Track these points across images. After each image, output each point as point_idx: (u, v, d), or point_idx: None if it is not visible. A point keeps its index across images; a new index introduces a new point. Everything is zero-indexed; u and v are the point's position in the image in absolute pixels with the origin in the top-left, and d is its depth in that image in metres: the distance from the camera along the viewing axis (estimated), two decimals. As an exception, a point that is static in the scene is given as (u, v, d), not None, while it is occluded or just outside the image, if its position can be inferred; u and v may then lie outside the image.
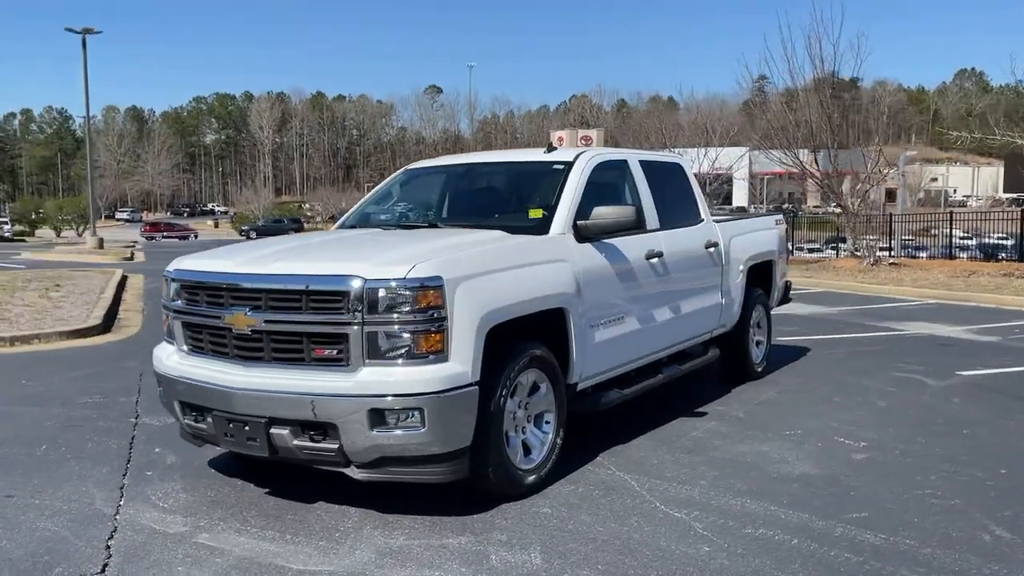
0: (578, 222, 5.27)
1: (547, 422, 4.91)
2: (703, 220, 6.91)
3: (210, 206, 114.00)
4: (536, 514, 4.40)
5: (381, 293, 4.06)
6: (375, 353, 4.09)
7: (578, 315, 5.04)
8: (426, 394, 4.05)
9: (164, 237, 64.01)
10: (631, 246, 5.69)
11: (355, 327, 4.08)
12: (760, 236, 7.90)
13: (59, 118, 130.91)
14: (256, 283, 4.36)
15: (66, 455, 5.52)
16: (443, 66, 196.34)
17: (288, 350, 4.28)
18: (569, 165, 5.64)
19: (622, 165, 6.15)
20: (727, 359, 7.65)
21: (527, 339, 4.73)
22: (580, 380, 5.23)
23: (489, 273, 4.43)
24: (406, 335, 4.08)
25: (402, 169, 6.73)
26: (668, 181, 6.79)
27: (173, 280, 4.80)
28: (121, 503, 4.63)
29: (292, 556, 3.89)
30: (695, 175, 7.82)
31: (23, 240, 63.21)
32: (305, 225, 67.76)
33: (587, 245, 5.29)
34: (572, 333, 5.00)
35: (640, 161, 6.31)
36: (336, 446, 4.16)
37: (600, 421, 6.13)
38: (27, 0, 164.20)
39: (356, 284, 4.08)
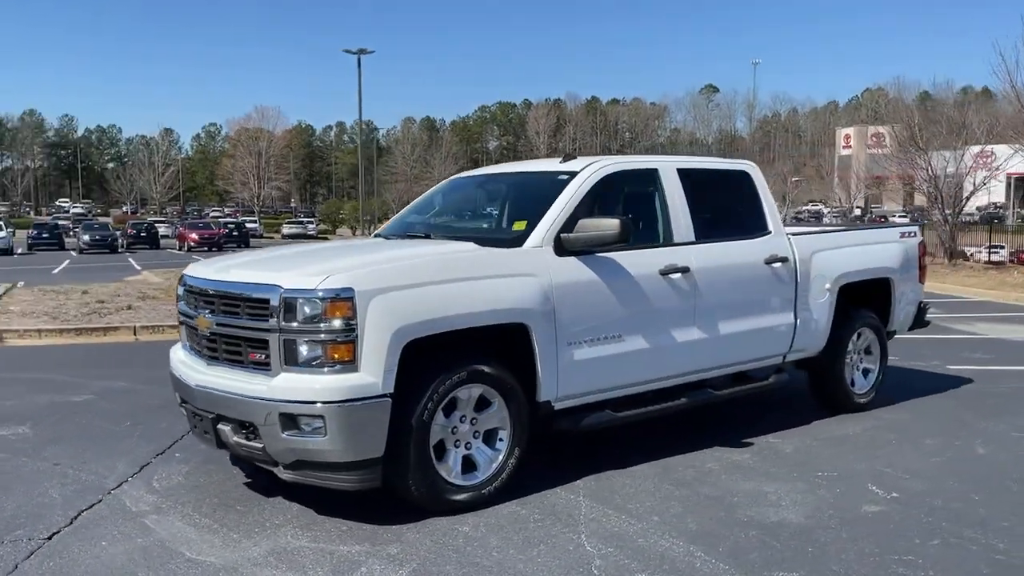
0: (562, 235, 5.10)
1: (501, 439, 4.82)
2: (769, 232, 6.30)
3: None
4: (451, 532, 4.35)
5: (295, 302, 4.26)
6: (291, 360, 4.29)
7: (546, 332, 4.88)
8: (329, 402, 4.17)
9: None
10: (637, 260, 5.38)
11: (275, 334, 4.32)
12: (864, 251, 7.02)
13: (367, 129, 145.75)
14: (213, 288, 4.76)
15: (133, 432, 6.32)
16: (720, 65, 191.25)
17: (233, 352, 4.61)
18: (572, 176, 5.46)
19: (648, 175, 5.81)
20: (816, 387, 6.95)
21: (473, 353, 4.68)
22: (557, 399, 5.05)
23: (415, 286, 4.44)
24: (316, 344, 4.24)
25: (449, 178, 6.86)
26: (722, 191, 6.34)
27: (181, 284, 5.34)
28: (128, 480, 5.24)
29: (196, 545, 4.21)
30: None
31: (325, 238, 71.02)
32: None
33: (571, 259, 5.09)
34: (537, 350, 4.85)
35: (680, 170, 5.91)
36: (262, 446, 4.43)
37: (613, 441, 5.87)
38: (351, 25, 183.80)
39: (276, 293, 4.32)
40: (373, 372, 4.25)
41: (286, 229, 66.44)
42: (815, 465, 5.47)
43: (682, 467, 5.41)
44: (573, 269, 5.08)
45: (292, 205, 56.79)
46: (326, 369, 4.23)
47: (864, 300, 7.13)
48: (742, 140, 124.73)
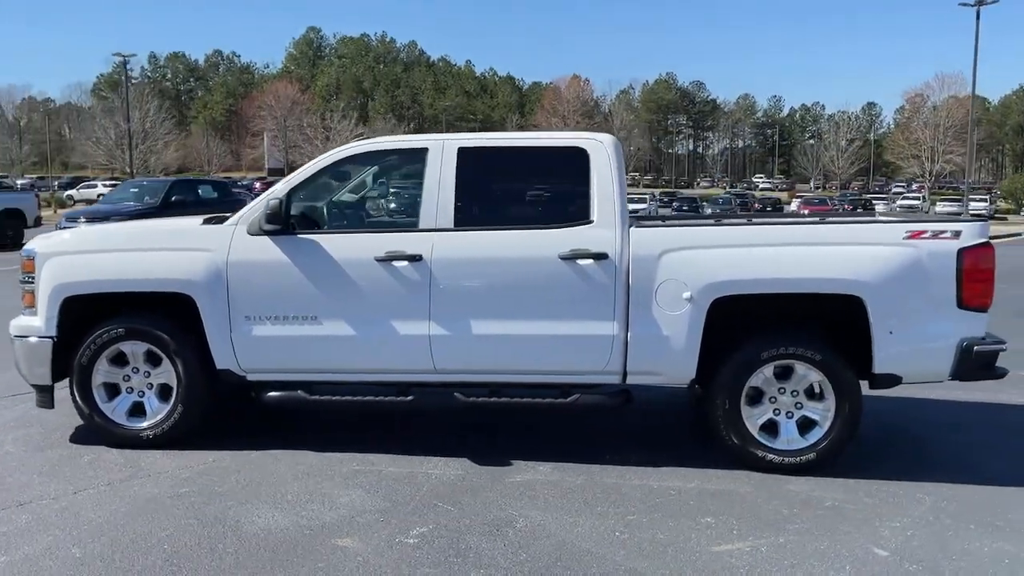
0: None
1: (174, 395, 5.37)
2: (589, 222, 5.03)
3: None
4: (68, 461, 5.19)
5: (23, 259, 5.63)
6: (23, 302, 5.67)
7: (216, 304, 5.18)
8: (14, 336, 5.47)
9: None
10: (347, 244, 5.20)
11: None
12: (785, 253, 4.86)
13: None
14: None
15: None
16: None
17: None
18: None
19: (412, 156, 5.47)
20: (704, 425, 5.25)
21: (140, 314, 5.35)
22: (244, 371, 5.31)
23: (80, 252, 5.38)
24: (24, 292, 5.55)
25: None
26: (534, 173, 5.49)
27: None
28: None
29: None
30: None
31: (1004, 219, 59.96)
32: None
33: (262, 239, 5.20)
34: (205, 320, 5.22)
35: (465, 149, 5.23)
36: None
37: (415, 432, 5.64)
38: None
39: (25, 252, 5.77)
40: (43, 318, 5.37)
41: (939, 206, 59.44)
42: (497, 503, 4.54)
43: (396, 467, 5.13)
44: (257, 248, 5.22)
45: (966, 181, 51.11)
46: (25, 311, 5.53)
47: (808, 322, 5.03)
48: None
